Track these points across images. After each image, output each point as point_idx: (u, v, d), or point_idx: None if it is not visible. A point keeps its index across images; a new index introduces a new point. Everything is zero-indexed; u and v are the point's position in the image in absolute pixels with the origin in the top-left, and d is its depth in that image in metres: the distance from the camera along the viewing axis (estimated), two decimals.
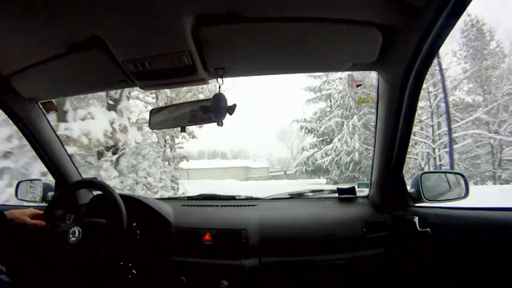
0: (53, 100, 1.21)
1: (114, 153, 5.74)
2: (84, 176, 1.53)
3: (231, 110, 0.89)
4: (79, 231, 0.99)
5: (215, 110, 0.89)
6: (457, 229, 0.97)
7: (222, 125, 0.91)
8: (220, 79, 0.91)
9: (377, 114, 1.06)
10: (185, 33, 0.71)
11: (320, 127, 13.89)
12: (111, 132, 5.35)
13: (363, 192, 1.31)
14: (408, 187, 1.14)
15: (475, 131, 10.31)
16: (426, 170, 9.71)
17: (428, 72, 0.88)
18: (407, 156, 1.10)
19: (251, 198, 1.44)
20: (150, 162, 6.37)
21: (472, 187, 1.09)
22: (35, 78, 0.96)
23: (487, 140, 10.32)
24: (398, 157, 1.05)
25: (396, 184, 1.13)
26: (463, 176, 1.17)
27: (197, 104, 1.00)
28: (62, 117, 4.81)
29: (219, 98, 0.89)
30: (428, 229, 1.00)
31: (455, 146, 9.79)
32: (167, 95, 6.97)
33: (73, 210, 1.27)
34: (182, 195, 5.30)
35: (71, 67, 0.90)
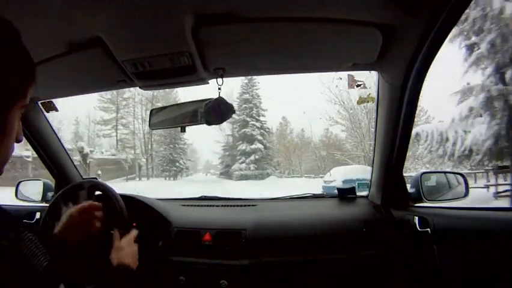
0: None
1: None
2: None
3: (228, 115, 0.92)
4: None
5: (215, 112, 0.91)
6: (457, 229, 0.97)
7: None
8: (220, 79, 0.91)
9: (377, 114, 1.06)
10: (185, 33, 0.71)
11: None
12: None
13: (363, 192, 1.31)
14: (408, 187, 1.15)
15: None
16: None
17: None
18: None
19: (251, 199, 1.45)
20: None
21: None
22: None
23: None
24: (398, 157, 1.05)
25: (396, 184, 1.12)
26: (463, 176, 1.17)
27: (197, 104, 1.00)
28: None
29: (220, 101, 0.90)
30: (428, 229, 1.00)
31: None
32: None
33: None
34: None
35: (71, 67, 0.90)
